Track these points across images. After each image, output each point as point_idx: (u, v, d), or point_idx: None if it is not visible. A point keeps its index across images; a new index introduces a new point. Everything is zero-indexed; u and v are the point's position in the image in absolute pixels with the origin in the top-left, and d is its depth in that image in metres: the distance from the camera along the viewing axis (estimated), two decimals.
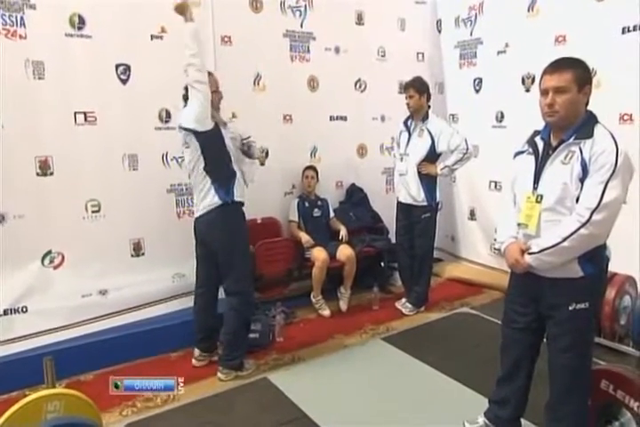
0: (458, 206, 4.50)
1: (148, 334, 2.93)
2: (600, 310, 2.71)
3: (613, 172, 1.59)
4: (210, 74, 2.50)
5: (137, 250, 3.13)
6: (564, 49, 3.31)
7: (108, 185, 2.98)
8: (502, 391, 2.04)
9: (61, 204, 2.84)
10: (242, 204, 2.65)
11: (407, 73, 3.68)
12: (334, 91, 3.94)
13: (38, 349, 2.63)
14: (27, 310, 2.75)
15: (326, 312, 3.53)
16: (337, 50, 3.93)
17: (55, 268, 2.85)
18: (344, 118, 4.06)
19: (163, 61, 2.98)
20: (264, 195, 3.57)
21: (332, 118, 4.00)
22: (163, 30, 3.04)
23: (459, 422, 2.18)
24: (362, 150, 4.25)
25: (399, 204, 3.57)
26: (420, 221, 3.45)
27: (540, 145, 1.80)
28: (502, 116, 3.98)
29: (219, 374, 2.66)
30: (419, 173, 3.38)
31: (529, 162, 1.81)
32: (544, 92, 1.71)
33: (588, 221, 1.61)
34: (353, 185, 4.17)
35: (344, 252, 3.53)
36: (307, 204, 3.74)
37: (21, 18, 2.63)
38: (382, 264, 4.00)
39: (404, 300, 3.64)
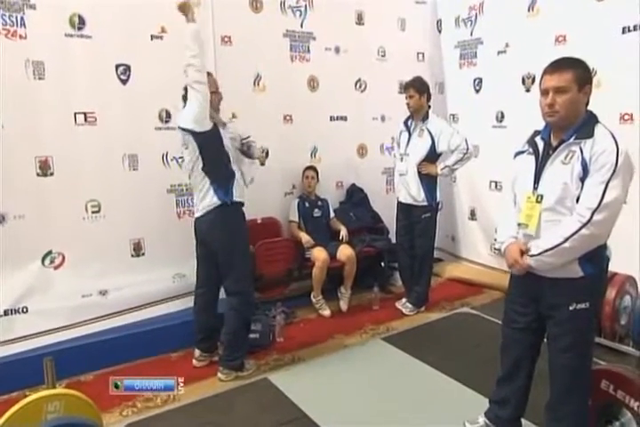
0: (458, 206, 4.50)
1: (149, 334, 2.93)
2: (600, 310, 2.71)
3: (614, 171, 1.59)
4: (209, 74, 2.50)
5: (137, 250, 3.13)
6: (564, 49, 3.31)
7: (109, 185, 2.98)
8: (502, 391, 2.04)
9: (61, 204, 2.84)
10: (241, 204, 2.65)
11: (407, 73, 3.68)
12: (334, 91, 3.94)
13: (38, 349, 2.63)
14: (27, 311, 2.75)
15: (326, 312, 3.53)
16: (337, 50, 3.93)
17: (55, 268, 2.85)
18: (344, 118, 4.06)
19: (163, 61, 2.98)
20: (264, 195, 3.57)
21: (332, 118, 4.00)
22: (163, 30, 3.04)
23: (459, 423, 2.18)
24: (362, 150, 4.25)
25: (399, 204, 3.57)
26: (420, 221, 3.45)
27: (541, 145, 1.80)
28: (502, 116, 3.98)
29: (219, 375, 2.66)
30: (419, 173, 3.37)
31: (529, 162, 1.81)
32: (544, 92, 1.71)
33: (588, 221, 1.61)
34: (353, 185, 4.17)
35: (344, 252, 3.53)
36: (307, 204, 3.74)
37: (21, 18, 2.63)
38: (382, 264, 4.00)
39: (404, 300, 3.64)
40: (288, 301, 3.54)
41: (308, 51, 3.77)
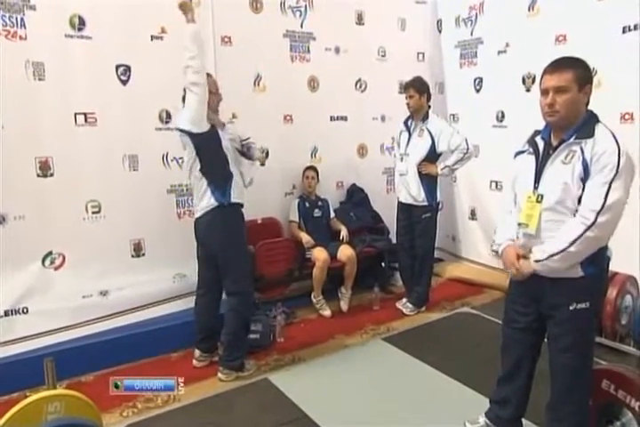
0: (458, 206, 4.50)
1: (149, 334, 2.93)
2: (601, 310, 2.71)
3: (616, 172, 1.59)
4: (209, 75, 2.50)
5: (137, 250, 3.13)
6: (564, 48, 3.31)
7: (109, 186, 2.98)
8: (503, 391, 2.03)
9: (62, 204, 2.84)
10: (240, 205, 2.65)
11: (407, 73, 3.68)
12: (334, 91, 3.94)
13: (39, 350, 2.63)
14: (27, 311, 2.75)
15: (327, 312, 3.53)
16: (337, 50, 3.93)
17: (56, 269, 2.85)
18: (344, 118, 4.06)
19: (163, 62, 2.98)
20: (264, 195, 3.57)
21: (332, 118, 3.99)
22: (163, 31, 3.04)
23: (459, 423, 2.17)
24: (362, 150, 4.25)
25: (400, 204, 3.57)
26: (420, 221, 3.45)
27: (541, 145, 1.80)
28: (503, 116, 3.97)
29: (219, 375, 2.66)
30: (419, 173, 3.37)
31: (529, 162, 1.81)
32: (544, 92, 1.70)
33: (593, 223, 1.60)
34: (353, 185, 4.17)
35: (345, 252, 3.53)
36: (307, 204, 3.74)
37: (21, 19, 2.63)
38: (383, 264, 4.00)
39: (404, 300, 3.64)
40: (288, 301, 3.54)
41: (308, 51, 3.77)
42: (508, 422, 2.04)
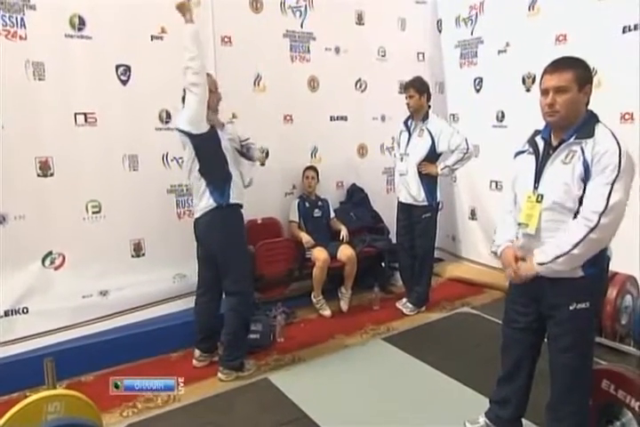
0: (458, 206, 4.50)
1: (149, 334, 2.93)
2: (601, 310, 2.71)
3: (618, 173, 1.58)
4: (208, 75, 2.49)
5: (137, 250, 3.13)
6: (564, 48, 3.31)
7: (109, 186, 2.98)
8: (503, 391, 2.03)
9: (62, 204, 2.84)
10: (239, 205, 2.64)
11: (407, 73, 3.68)
12: (334, 91, 3.94)
13: (39, 350, 2.63)
14: (27, 311, 2.75)
15: (327, 312, 3.53)
16: (337, 50, 3.93)
17: (56, 268, 2.85)
18: (344, 118, 4.06)
19: (163, 62, 2.98)
20: (264, 195, 3.57)
21: (332, 118, 4.00)
22: (163, 31, 3.04)
23: (459, 423, 2.17)
24: (362, 150, 4.25)
25: (400, 204, 3.57)
26: (420, 221, 3.45)
27: (541, 145, 1.80)
28: (503, 116, 3.97)
29: (219, 375, 2.66)
30: (419, 172, 3.37)
31: (529, 161, 1.81)
32: (544, 92, 1.70)
33: (596, 225, 1.59)
34: (353, 185, 4.17)
35: (345, 252, 3.53)
36: (307, 204, 3.74)
37: (21, 19, 2.63)
38: (383, 264, 4.00)
39: (404, 300, 3.63)
40: (288, 301, 3.54)
41: (308, 51, 3.77)
42: (507, 422, 2.04)
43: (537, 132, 1.85)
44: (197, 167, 2.51)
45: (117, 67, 2.95)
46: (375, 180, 4.32)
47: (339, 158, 4.07)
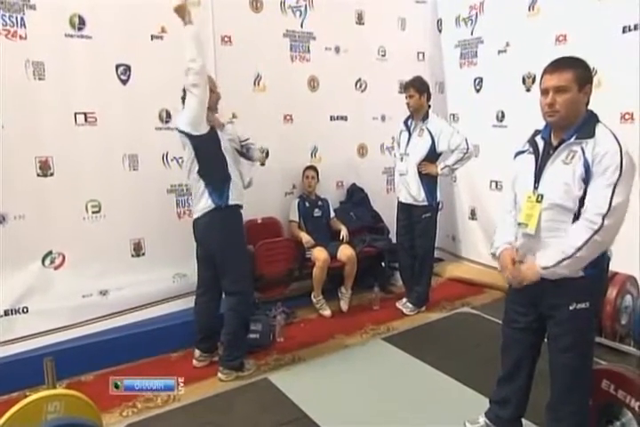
0: (458, 206, 4.50)
1: (149, 334, 2.93)
2: (601, 310, 2.71)
3: (620, 174, 1.58)
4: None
5: (137, 250, 3.13)
6: (564, 48, 3.31)
7: (109, 185, 2.98)
8: (503, 391, 2.03)
9: (62, 204, 2.84)
10: (238, 206, 2.64)
11: (407, 73, 3.68)
12: (334, 91, 3.94)
13: (39, 349, 2.63)
14: (27, 311, 2.75)
15: (327, 312, 3.53)
16: (337, 50, 3.93)
17: (56, 268, 2.85)
18: (344, 118, 4.06)
19: (163, 62, 2.98)
20: (264, 195, 3.57)
21: (332, 118, 3.99)
22: (163, 30, 3.04)
23: (459, 423, 2.17)
24: (362, 150, 4.25)
25: (400, 204, 3.56)
26: (420, 221, 3.45)
27: (541, 144, 1.80)
28: (503, 116, 3.97)
29: (219, 375, 2.66)
30: (419, 172, 3.37)
31: (529, 161, 1.81)
32: (544, 92, 1.70)
33: (600, 227, 1.59)
34: (353, 185, 4.17)
35: (345, 252, 3.53)
36: (307, 204, 3.74)
37: (21, 18, 2.63)
38: (383, 264, 4.00)
39: (404, 300, 3.63)
40: (288, 301, 3.54)
41: (308, 51, 3.77)
42: (507, 423, 2.04)
43: (537, 132, 1.85)
44: (197, 168, 2.51)
45: (117, 66, 2.95)
46: (375, 179, 4.32)
47: (339, 158, 4.07)
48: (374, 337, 3.17)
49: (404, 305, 3.59)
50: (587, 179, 1.63)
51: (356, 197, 4.13)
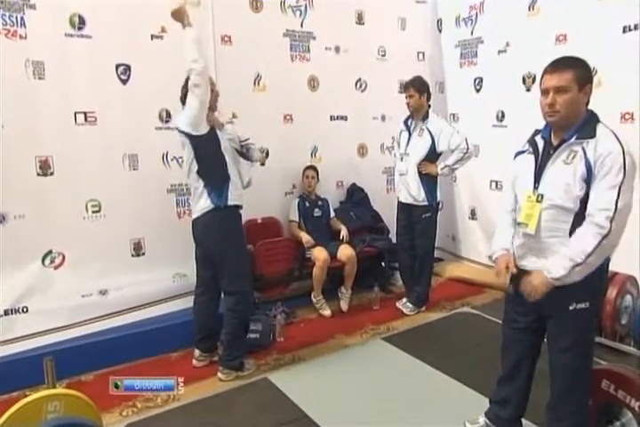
0: (458, 206, 4.50)
1: (149, 334, 2.93)
2: (601, 310, 2.71)
3: (624, 175, 1.57)
4: None
5: (137, 250, 3.13)
6: (564, 48, 3.31)
7: (109, 185, 2.98)
8: (503, 391, 2.03)
9: (62, 204, 2.84)
10: (238, 207, 2.64)
11: (407, 72, 3.68)
12: (335, 90, 3.94)
13: (39, 349, 2.63)
14: (27, 311, 2.75)
15: (327, 312, 3.53)
16: (337, 49, 3.93)
17: (56, 268, 2.85)
18: (344, 118, 4.06)
19: (163, 61, 2.98)
20: (264, 195, 3.57)
21: (332, 118, 3.99)
22: (163, 30, 3.04)
23: (459, 422, 2.17)
24: (362, 150, 4.25)
25: (400, 203, 3.56)
26: (420, 221, 3.45)
27: (541, 144, 1.80)
28: (503, 116, 3.97)
29: (219, 375, 2.66)
30: (419, 172, 3.37)
31: (529, 161, 1.80)
32: (544, 92, 1.70)
33: (609, 231, 1.58)
34: (353, 185, 4.17)
35: (345, 252, 3.53)
36: (307, 203, 3.74)
37: (21, 18, 2.63)
38: (383, 264, 4.00)
39: (404, 299, 3.63)
40: (288, 300, 3.54)
41: (309, 50, 3.77)
42: (507, 423, 2.04)
43: (537, 132, 1.84)
44: (196, 168, 2.51)
45: (117, 66, 2.95)
46: (375, 179, 4.32)
47: (339, 158, 4.07)
48: (374, 337, 3.17)
49: (404, 305, 3.59)
50: (588, 179, 1.62)
51: (355, 196, 4.13)
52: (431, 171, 3.37)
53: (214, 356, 2.80)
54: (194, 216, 2.62)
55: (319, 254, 3.45)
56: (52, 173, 2.78)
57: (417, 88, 3.33)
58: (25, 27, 2.64)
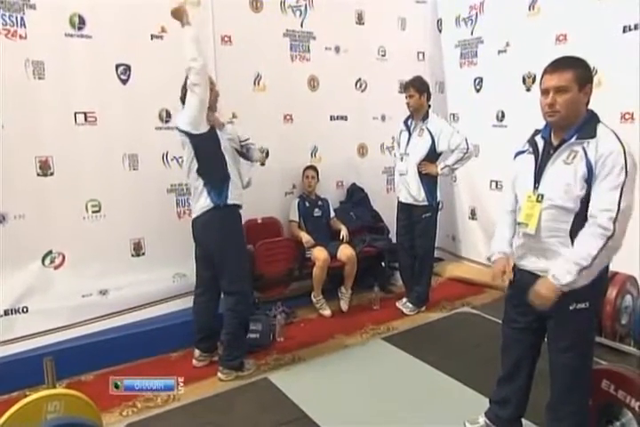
0: (458, 206, 4.50)
1: (149, 334, 2.93)
2: (601, 310, 2.71)
3: (626, 175, 1.57)
4: None
5: (137, 250, 3.13)
6: (564, 48, 3.31)
7: (109, 185, 2.98)
8: (503, 391, 2.03)
9: (62, 204, 2.84)
10: (237, 206, 2.64)
11: (407, 72, 3.68)
12: (335, 90, 3.94)
13: (39, 349, 2.63)
14: (27, 311, 2.75)
15: (327, 312, 3.53)
16: (337, 49, 3.93)
17: (56, 268, 2.85)
18: (344, 118, 4.06)
19: (163, 61, 2.98)
20: (264, 195, 3.57)
21: (332, 118, 3.99)
22: (163, 30, 3.04)
23: (459, 422, 2.17)
24: (362, 150, 4.25)
25: (400, 203, 3.56)
26: (420, 221, 3.45)
27: (541, 144, 1.79)
28: (503, 116, 3.97)
29: (219, 375, 2.66)
30: (419, 172, 3.37)
31: (529, 161, 1.80)
32: (545, 92, 1.70)
33: (613, 233, 1.57)
34: (353, 185, 4.17)
35: (345, 252, 3.53)
36: (307, 203, 3.74)
37: (21, 18, 2.63)
38: (383, 264, 4.00)
39: (404, 299, 3.63)
40: (288, 300, 3.54)
41: (309, 50, 3.77)
42: (507, 423, 2.04)
43: (537, 132, 1.84)
44: (196, 167, 2.51)
45: (117, 66, 2.95)
46: (375, 179, 4.32)
47: (339, 158, 4.07)
48: (374, 337, 3.17)
49: (404, 305, 3.59)
50: (589, 179, 1.62)
51: (355, 196, 4.13)
52: (431, 171, 3.37)
53: (214, 356, 2.80)
54: (194, 215, 2.62)
55: (319, 254, 3.45)
56: (52, 174, 2.78)
57: (417, 88, 3.33)
58: (25, 27, 2.64)
